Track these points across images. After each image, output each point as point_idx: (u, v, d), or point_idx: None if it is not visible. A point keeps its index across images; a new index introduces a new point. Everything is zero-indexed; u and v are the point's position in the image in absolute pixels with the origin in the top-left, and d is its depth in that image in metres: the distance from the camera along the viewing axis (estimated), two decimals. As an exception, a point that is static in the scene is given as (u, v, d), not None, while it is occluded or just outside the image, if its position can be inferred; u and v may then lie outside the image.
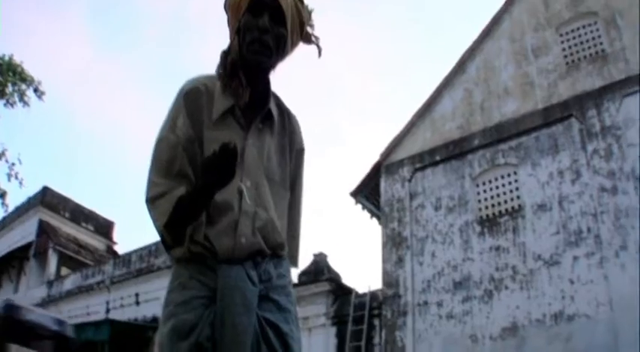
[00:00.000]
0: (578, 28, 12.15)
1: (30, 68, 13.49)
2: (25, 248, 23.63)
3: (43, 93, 13.51)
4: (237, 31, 1.85)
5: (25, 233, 23.93)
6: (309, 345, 12.28)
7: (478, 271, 11.25)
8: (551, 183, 11.04)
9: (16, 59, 13.22)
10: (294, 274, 12.65)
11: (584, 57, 11.85)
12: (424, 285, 11.85)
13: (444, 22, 72.33)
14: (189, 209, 1.67)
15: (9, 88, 13.18)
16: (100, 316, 17.64)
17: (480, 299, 11.01)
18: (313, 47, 1.97)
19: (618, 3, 11.74)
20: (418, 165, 13.12)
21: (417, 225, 12.55)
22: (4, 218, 24.34)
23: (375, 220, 14.68)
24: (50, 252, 22.69)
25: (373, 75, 73.16)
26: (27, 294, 22.23)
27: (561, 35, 12.34)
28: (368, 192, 14.37)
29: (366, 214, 14.83)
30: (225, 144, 1.56)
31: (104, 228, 26.21)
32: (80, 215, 25.35)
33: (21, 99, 13.34)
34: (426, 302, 11.69)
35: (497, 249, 11.20)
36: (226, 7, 1.90)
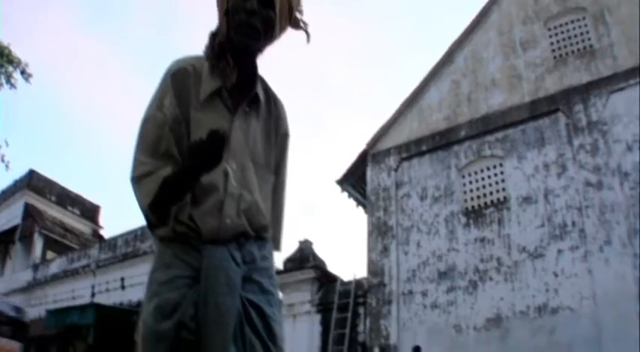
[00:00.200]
0: (566, 23, 12.17)
1: (17, 51, 13.36)
2: (11, 231, 23.50)
3: (30, 75, 13.40)
4: (226, 12, 1.83)
5: (10, 216, 23.78)
6: (293, 332, 12.32)
7: (463, 262, 11.31)
8: (537, 176, 11.09)
9: (3, 41, 13.16)
10: (279, 260, 12.69)
11: (572, 52, 11.88)
12: (409, 274, 11.90)
13: (432, 13, 72.31)
14: (174, 189, 1.68)
15: (-4, 70, 13.09)
16: (86, 300, 17.61)
17: (465, 289, 11.07)
18: (301, 33, 1.95)
19: (607, -1, 11.77)
20: (405, 155, 13.14)
21: (403, 215, 12.59)
22: (-10, 201, 24.26)
23: (360, 209, 14.71)
24: (36, 235, 22.59)
25: (360, 65, 73.08)
26: (12, 278, 22.16)
27: (549, 29, 12.35)
28: (354, 181, 14.37)
29: (352, 202, 14.87)
30: (213, 132, 1.56)
31: (90, 211, 26.11)
32: (66, 199, 25.22)
33: (8, 81, 13.24)
34: (410, 292, 11.75)
35: (482, 240, 11.26)
36: None
